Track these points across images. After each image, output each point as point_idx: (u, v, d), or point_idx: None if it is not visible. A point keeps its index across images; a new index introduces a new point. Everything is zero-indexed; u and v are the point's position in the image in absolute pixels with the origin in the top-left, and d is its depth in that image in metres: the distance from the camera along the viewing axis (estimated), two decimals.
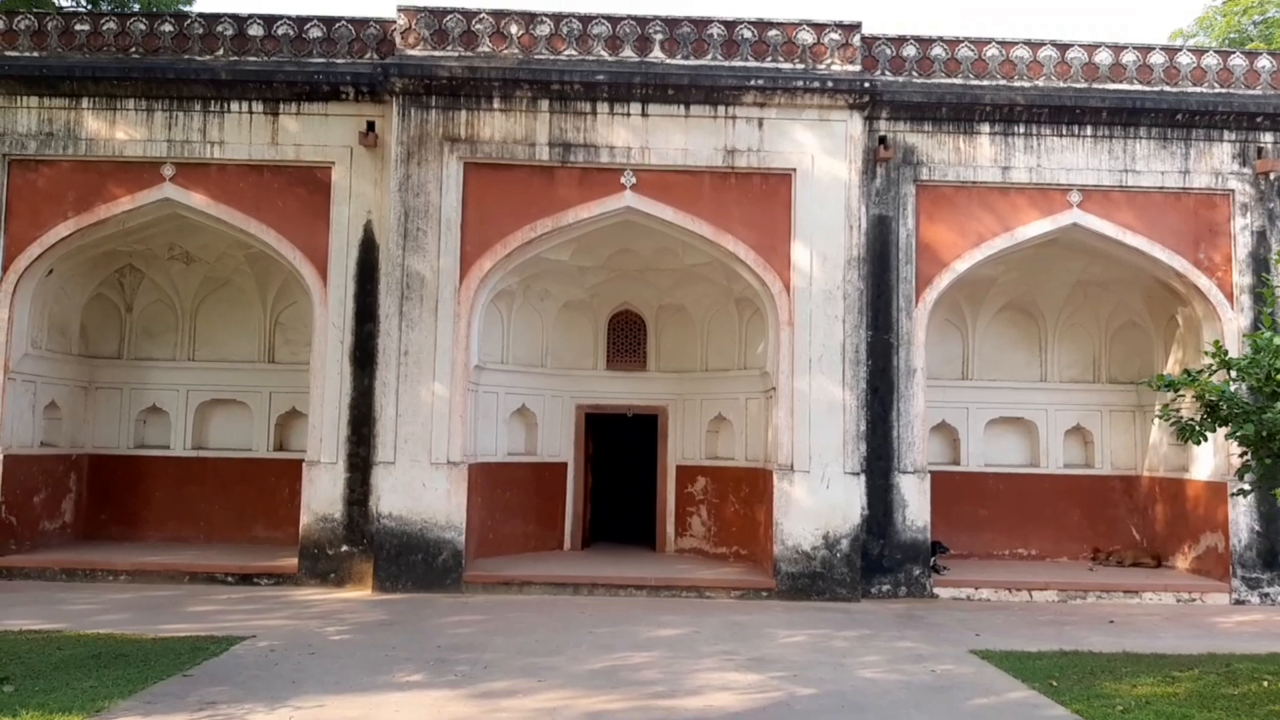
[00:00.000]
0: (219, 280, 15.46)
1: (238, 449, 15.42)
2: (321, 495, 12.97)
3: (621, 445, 16.60)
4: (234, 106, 13.23)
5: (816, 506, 12.70)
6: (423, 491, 12.59)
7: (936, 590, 13.08)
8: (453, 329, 12.77)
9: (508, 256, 13.01)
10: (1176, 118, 13.41)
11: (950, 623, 11.36)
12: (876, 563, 13.05)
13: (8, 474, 13.03)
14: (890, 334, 13.28)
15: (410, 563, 12.55)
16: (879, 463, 13.14)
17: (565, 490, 15.46)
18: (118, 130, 13.18)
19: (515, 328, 14.80)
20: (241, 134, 13.23)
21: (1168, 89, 13.58)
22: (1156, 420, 14.89)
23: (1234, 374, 8.20)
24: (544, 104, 12.96)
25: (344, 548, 12.93)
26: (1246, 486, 9.74)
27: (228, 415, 15.54)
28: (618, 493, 16.88)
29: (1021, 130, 13.46)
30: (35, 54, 13.24)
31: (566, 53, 13.10)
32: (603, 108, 13.00)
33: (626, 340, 15.85)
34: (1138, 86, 13.58)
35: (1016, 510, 15.38)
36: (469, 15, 13.06)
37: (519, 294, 14.61)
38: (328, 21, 13.40)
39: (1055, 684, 8.42)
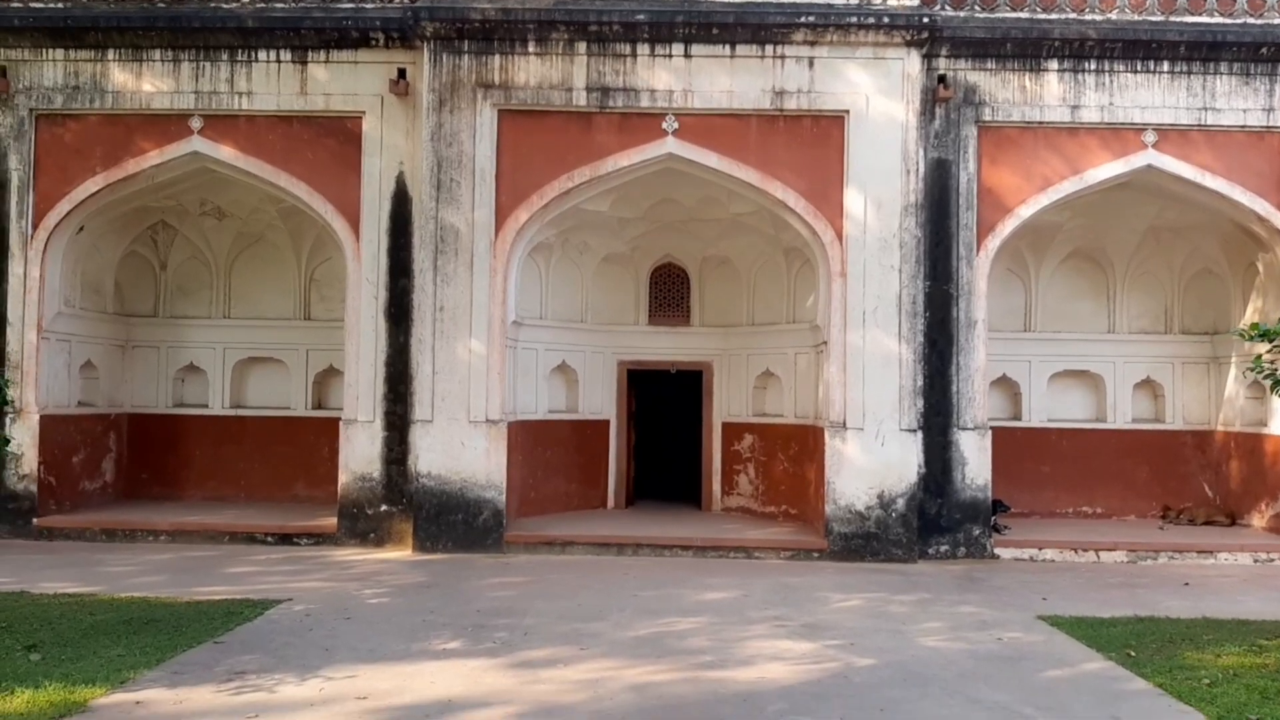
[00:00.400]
0: (252, 236, 15.13)
1: (276, 407, 15.16)
2: (359, 454, 12.70)
3: (664, 402, 16.14)
4: (261, 55, 12.79)
5: (871, 464, 12.15)
6: (461, 450, 12.25)
7: (998, 551, 12.51)
8: (489, 284, 12.34)
9: (545, 208, 12.51)
10: (1261, 52, 12.47)
11: (1014, 585, 10.80)
12: (934, 522, 12.50)
13: (45, 434, 12.85)
14: (949, 284, 12.60)
15: (450, 523, 12.24)
16: (937, 419, 12.54)
17: (608, 448, 15.06)
18: (144, 82, 12.81)
19: (554, 282, 14.32)
20: (270, 84, 12.79)
21: (1252, 21, 12.62)
22: (1233, 372, 14.10)
23: None
24: (581, 46, 12.35)
25: (383, 507, 12.66)
26: None
27: (265, 373, 15.29)
28: (661, 450, 16.45)
29: (1092, 67, 12.60)
30: (60, 5, 12.85)
31: None
32: (643, 49, 12.36)
33: (669, 294, 15.31)
34: (1219, 19, 12.62)
35: (1081, 467, 14.67)
36: None
37: (557, 247, 14.10)
38: None
39: (1133, 654, 7.86)
